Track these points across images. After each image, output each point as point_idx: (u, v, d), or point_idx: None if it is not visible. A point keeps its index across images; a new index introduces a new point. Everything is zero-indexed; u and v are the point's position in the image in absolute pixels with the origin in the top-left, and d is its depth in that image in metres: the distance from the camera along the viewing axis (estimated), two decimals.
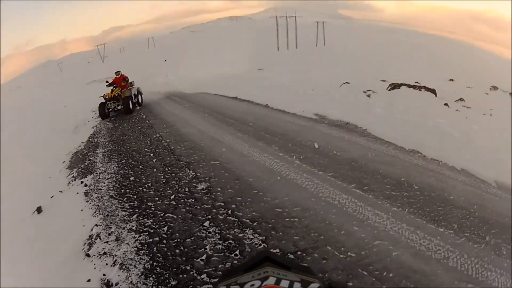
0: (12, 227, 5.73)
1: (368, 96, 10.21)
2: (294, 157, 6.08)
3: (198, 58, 44.77)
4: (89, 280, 3.68)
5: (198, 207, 4.63)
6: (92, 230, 4.71)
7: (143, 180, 6.04)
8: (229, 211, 4.41)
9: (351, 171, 5.29)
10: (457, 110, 9.58)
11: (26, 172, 8.78)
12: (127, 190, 5.74)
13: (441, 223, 3.89)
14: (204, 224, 4.14)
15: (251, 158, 6.25)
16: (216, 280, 0.61)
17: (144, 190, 5.60)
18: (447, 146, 6.37)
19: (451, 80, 20.60)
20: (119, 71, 15.23)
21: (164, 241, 3.99)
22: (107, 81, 15.20)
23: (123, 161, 7.47)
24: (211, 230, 4.03)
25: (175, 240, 3.96)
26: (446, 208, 4.19)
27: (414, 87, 11.00)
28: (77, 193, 6.21)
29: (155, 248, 3.90)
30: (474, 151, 6.22)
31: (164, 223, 4.38)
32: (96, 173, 7.00)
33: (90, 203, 5.63)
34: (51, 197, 6.45)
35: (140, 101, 15.52)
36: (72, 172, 7.64)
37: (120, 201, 5.36)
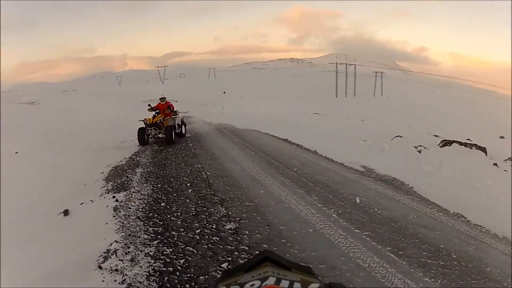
0: (35, 223, 6.11)
1: (419, 151, 10.15)
2: (333, 210, 6.06)
3: (256, 95, 46.06)
4: None
5: (221, 246, 4.72)
6: (111, 245, 4.95)
7: (173, 208, 6.31)
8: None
9: (389, 232, 5.19)
10: (505, 170, 9.31)
11: (65, 173, 9.38)
12: (155, 215, 6.02)
13: None
14: (222, 266, 4.21)
15: (287, 205, 6.31)
16: (216, 280, 0.69)
17: (172, 218, 5.84)
18: (492, 211, 6.16)
19: (502, 137, 20.31)
20: (165, 97, 15.32)
21: (177, 273, 4.11)
22: (149, 105, 15.15)
23: (159, 185, 7.87)
24: None
25: (189, 275, 4.06)
26: (480, 282, 4.00)
27: (465, 144, 10.85)
28: (107, 206, 6.58)
29: (166, 278, 4.03)
30: None
31: (182, 255, 4.52)
32: (130, 191, 7.42)
33: (116, 218, 5.96)
34: (81, 204, 6.89)
35: (183, 132, 15.63)
36: (107, 185, 8.13)
37: (146, 224, 5.62)
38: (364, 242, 4.84)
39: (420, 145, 10.50)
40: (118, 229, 5.51)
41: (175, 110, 15.53)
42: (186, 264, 4.29)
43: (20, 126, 20.25)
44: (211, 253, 4.54)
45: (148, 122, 13.88)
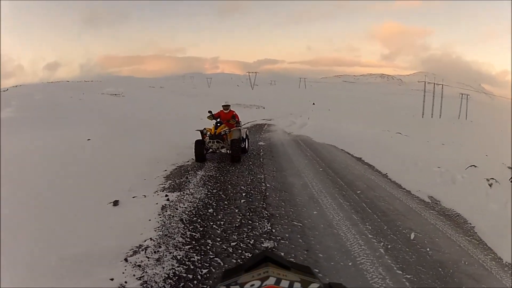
0: (86, 208, 6.47)
1: (490, 185, 9.04)
2: (382, 244, 5.62)
3: (343, 109, 45.39)
4: (112, 279, 4.09)
5: None
6: (145, 241, 5.12)
7: (219, 216, 6.30)
8: None
9: (433, 279, 4.69)
10: None
11: (131, 164, 9.92)
12: (199, 220, 6.07)
13: None
14: None
15: (335, 231, 5.99)
16: (216, 280, 0.68)
17: (214, 226, 5.82)
18: None
19: None
20: (229, 105, 12.89)
21: (195, 282, 4.07)
22: (210, 112, 12.54)
23: (214, 191, 7.95)
24: None
25: (205, 286, 3.99)
26: None
27: None
28: (156, 203, 6.82)
29: (182, 284, 4.02)
30: None
31: (208, 265, 4.46)
32: (183, 193, 7.61)
33: (160, 217, 6.13)
34: (133, 197, 7.22)
35: (246, 147, 13.20)
36: (165, 183, 8.47)
37: (185, 228, 5.68)
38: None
39: (492, 178, 9.47)
40: (158, 227, 5.65)
41: (239, 121, 13.37)
42: (207, 275, 4.22)
43: (99, 114, 22.03)
44: None
45: (209, 133, 11.66)
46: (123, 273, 4.24)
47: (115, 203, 6.67)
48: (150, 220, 5.95)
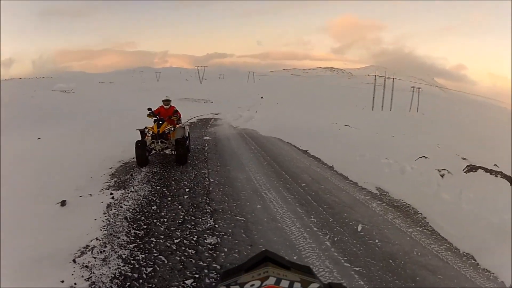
0: (34, 210, 6.41)
1: (442, 176, 9.42)
2: (328, 237, 5.76)
3: (292, 102, 45.93)
4: (62, 281, 4.17)
5: (193, 261, 4.76)
6: (91, 241, 5.20)
7: (162, 213, 6.44)
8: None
9: (383, 271, 4.79)
10: None
11: (78, 163, 9.78)
12: (143, 218, 6.19)
13: None
14: (186, 282, 4.25)
15: (280, 225, 6.14)
16: (216, 280, 0.75)
17: (157, 223, 5.97)
18: (506, 254, 5.45)
19: None
20: (170, 100, 11.81)
21: (141, 281, 4.23)
22: (150, 109, 11.33)
23: (158, 187, 8.08)
24: None
25: (150, 285, 4.16)
26: None
27: (491, 171, 9.95)
28: (102, 202, 6.87)
29: (128, 283, 4.17)
30: None
31: (152, 263, 4.63)
32: (128, 190, 7.69)
33: (105, 216, 6.20)
34: (80, 196, 7.21)
35: (188, 146, 12.25)
36: (111, 181, 8.48)
37: (130, 226, 5.80)
38: (351, 280, 4.54)
39: (444, 169, 9.85)
40: (103, 226, 5.74)
41: (181, 117, 12.32)
42: (152, 274, 4.39)
43: (50, 113, 21.17)
44: (181, 266, 4.61)
45: (151, 132, 10.44)
46: (72, 274, 4.32)
47: (63, 203, 6.66)
48: (95, 219, 6.00)
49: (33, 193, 7.19)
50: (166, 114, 11.38)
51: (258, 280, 0.65)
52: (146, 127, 10.71)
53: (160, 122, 10.63)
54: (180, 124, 11.93)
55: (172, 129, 10.83)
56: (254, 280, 0.66)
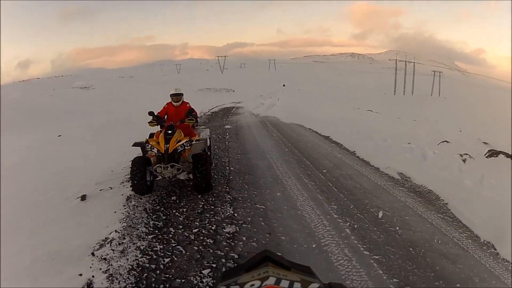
0: (56, 205, 6.44)
1: (464, 161, 8.95)
2: (348, 224, 5.57)
3: (314, 88, 45.34)
4: (80, 275, 4.14)
5: (211, 251, 4.65)
6: (110, 233, 5.18)
7: (182, 203, 6.36)
8: None
9: (403, 260, 4.60)
10: None
11: (99, 158, 9.86)
12: (162, 208, 6.13)
13: None
14: (203, 272, 4.16)
15: (299, 212, 5.98)
16: (216, 280, 0.73)
17: (176, 214, 5.89)
18: None
19: None
20: (181, 93, 8.01)
21: (158, 272, 4.16)
22: (152, 114, 7.49)
23: None
24: (205, 280, 4.02)
25: (167, 276, 4.08)
26: None
27: None
28: (122, 194, 6.84)
29: (145, 275, 4.10)
30: None
31: (170, 254, 4.55)
32: None
33: (125, 208, 6.18)
34: (100, 190, 7.18)
35: (210, 156, 8.38)
36: None
37: (149, 217, 5.75)
38: (369, 269, 4.33)
39: (466, 154, 9.41)
40: (123, 219, 5.71)
41: (198, 117, 8.66)
42: (170, 264, 4.32)
43: (70, 110, 21.49)
44: (199, 256, 4.51)
45: (156, 150, 6.71)
46: (90, 267, 4.30)
47: (83, 197, 6.64)
48: (115, 212, 5.99)
49: (55, 189, 7.22)
50: (177, 115, 7.70)
51: (258, 280, 0.65)
52: (147, 141, 6.96)
53: (170, 131, 6.87)
54: (198, 130, 8.79)
55: (189, 145, 6.96)
56: (254, 280, 0.65)
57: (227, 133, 14.21)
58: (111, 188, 7.26)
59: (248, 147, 11.37)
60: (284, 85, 53.96)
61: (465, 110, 33.05)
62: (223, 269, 4.20)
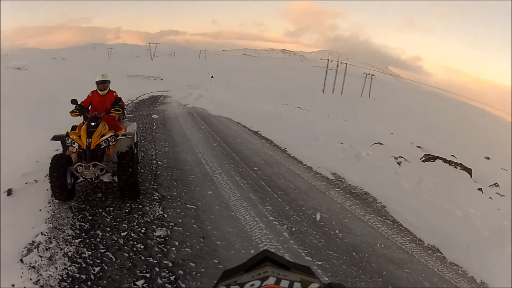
0: None
1: (399, 163, 9.14)
2: (285, 226, 5.43)
3: (243, 82, 45.45)
4: (13, 285, 3.69)
5: (143, 258, 4.36)
6: (36, 236, 4.64)
7: (108, 202, 5.85)
8: (173, 277, 4.02)
9: (347, 265, 4.54)
10: (490, 198, 8.35)
11: (27, 146, 8.74)
12: (88, 207, 5.59)
13: None
14: (137, 283, 3.88)
15: (233, 214, 5.78)
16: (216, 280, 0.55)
17: (103, 213, 5.43)
18: (473, 247, 5.49)
19: (487, 158, 19.21)
20: (107, 80, 6.94)
21: (89, 283, 3.81)
22: (75, 102, 6.40)
23: None
24: None
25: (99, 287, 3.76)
26: None
27: (450, 162, 9.68)
28: (47, 189, 6.03)
29: (76, 286, 3.75)
30: (500, 257, 5.27)
31: (99, 261, 4.20)
32: None
33: (50, 205, 5.56)
34: (26, 183, 6.38)
35: (136, 153, 7.34)
36: None
37: (75, 217, 5.23)
38: None
39: (401, 156, 9.52)
40: (48, 218, 5.15)
41: (124, 107, 7.70)
42: (101, 274, 3.97)
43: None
44: (130, 264, 4.21)
45: (77, 146, 5.62)
46: (21, 277, 3.84)
47: (9, 192, 5.88)
48: (40, 210, 5.38)
49: None
50: (102, 105, 6.61)
51: (258, 280, 0.63)
52: (67, 134, 5.74)
53: (93, 123, 5.79)
54: (124, 123, 7.62)
55: (114, 140, 5.85)
56: (254, 280, 0.64)
57: (154, 123, 13.49)
58: (36, 181, 6.46)
59: (176, 140, 10.93)
60: (212, 77, 53.18)
61: (396, 113, 34.51)
62: (158, 280, 3.98)
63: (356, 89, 58.63)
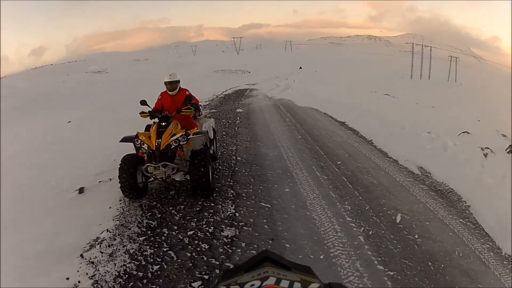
0: (53, 198, 6.18)
1: (485, 155, 8.26)
2: (362, 229, 5.02)
3: (330, 70, 44.73)
4: (67, 278, 3.90)
5: (205, 258, 4.27)
6: (102, 233, 4.87)
7: (180, 199, 5.96)
8: None
9: (421, 277, 4.05)
10: None
11: (104, 146, 9.35)
12: (158, 205, 5.76)
13: None
14: (193, 284, 3.80)
15: (309, 214, 5.46)
16: (216, 280, 0.64)
17: (173, 211, 5.52)
18: None
19: None
20: (176, 80, 6.86)
21: (144, 281, 3.85)
22: (144, 103, 6.56)
23: None
24: None
25: (154, 286, 3.78)
26: None
27: None
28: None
29: (131, 284, 3.81)
30: None
31: (160, 260, 4.22)
32: None
33: (120, 203, 5.84)
34: (99, 182, 6.84)
35: (214, 151, 7.80)
36: None
37: (143, 215, 5.41)
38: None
39: (487, 147, 8.66)
40: (116, 216, 5.41)
41: (199, 105, 8.01)
42: (158, 273, 4.00)
43: (81, 95, 21.26)
44: (191, 264, 4.15)
45: (147, 147, 5.78)
46: (78, 271, 4.05)
47: (81, 190, 6.36)
48: (110, 207, 5.68)
49: (55, 180, 6.96)
50: (173, 105, 6.62)
51: (258, 280, 0.64)
52: (137, 135, 5.97)
53: (163, 123, 5.95)
54: (200, 120, 7.59)
55: (185, 139, 5.98)
56: (254, 280, 0.65)
57: (238, 118, 13.77)
58: (110, 179, 6.85)
59: (259, 133, 10.96)
60: (300, 68, 53.16)
61: (482, 99, 32.42)
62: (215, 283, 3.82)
63: (442, 73, 56.34)
